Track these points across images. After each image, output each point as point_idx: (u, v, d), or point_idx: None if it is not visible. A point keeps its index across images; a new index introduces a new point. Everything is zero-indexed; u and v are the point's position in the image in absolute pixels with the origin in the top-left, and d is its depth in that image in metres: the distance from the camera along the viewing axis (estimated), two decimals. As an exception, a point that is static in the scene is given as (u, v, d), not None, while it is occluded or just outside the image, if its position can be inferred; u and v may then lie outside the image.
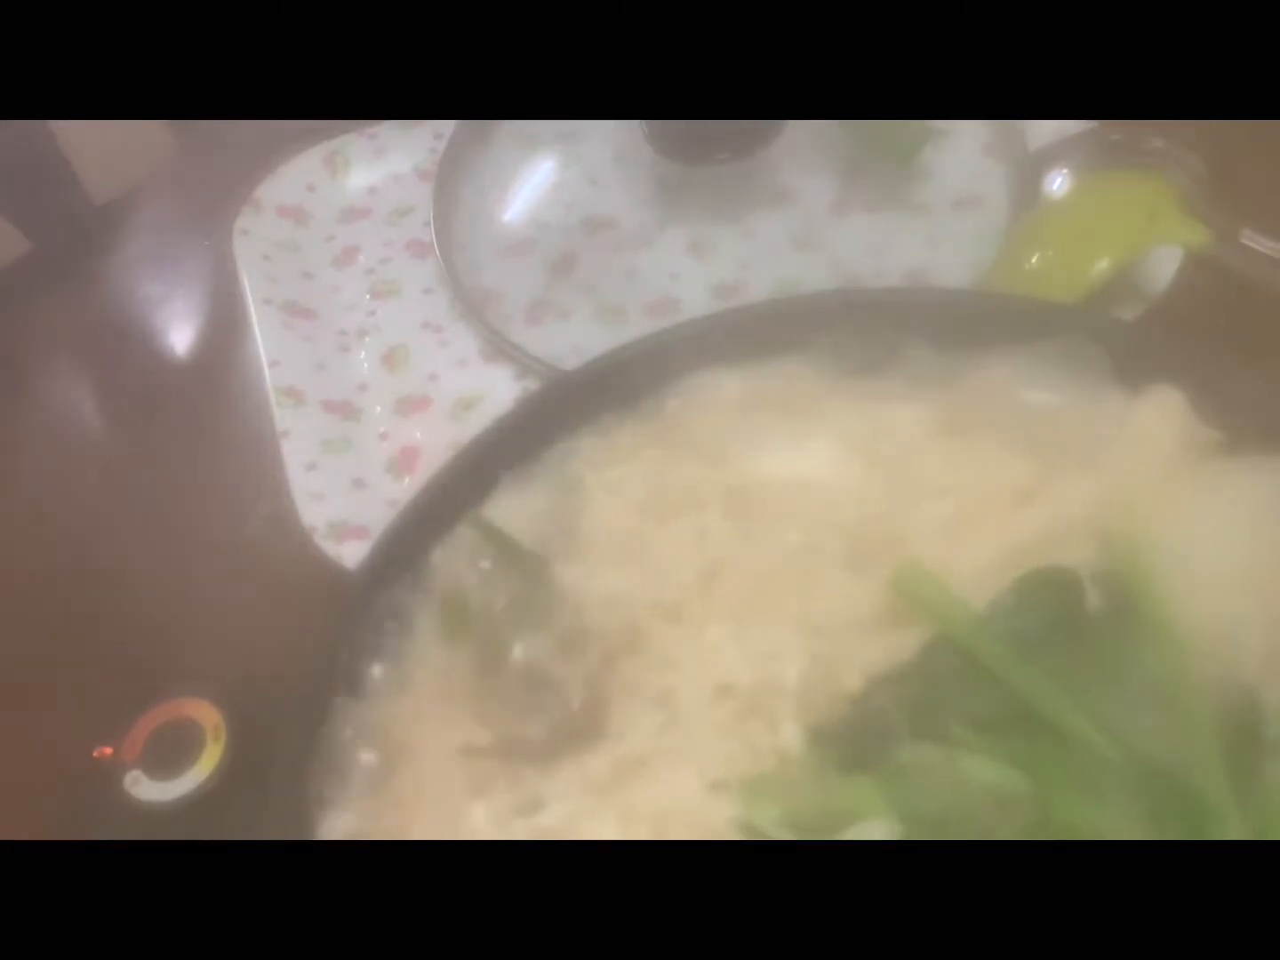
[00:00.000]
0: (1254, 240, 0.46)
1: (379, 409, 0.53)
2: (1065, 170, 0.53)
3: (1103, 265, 0.44)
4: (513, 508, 0.34)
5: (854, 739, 0.27)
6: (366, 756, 0.30)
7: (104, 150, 0.92)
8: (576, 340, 0.54)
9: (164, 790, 0.35)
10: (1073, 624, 0.28)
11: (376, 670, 0.32)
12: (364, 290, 0.58)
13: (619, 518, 0.33)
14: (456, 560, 0.33)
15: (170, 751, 0.36)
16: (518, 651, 0.31)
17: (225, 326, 0.57)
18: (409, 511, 0.34)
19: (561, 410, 0.36)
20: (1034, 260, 0.47)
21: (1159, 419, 0.31)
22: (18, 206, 0.81)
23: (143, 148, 1.04)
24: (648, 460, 0.35)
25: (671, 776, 0.27)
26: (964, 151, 0.56)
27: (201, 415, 0.55)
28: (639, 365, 0.37)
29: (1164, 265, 0.46)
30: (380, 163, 0.62)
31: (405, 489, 0.51)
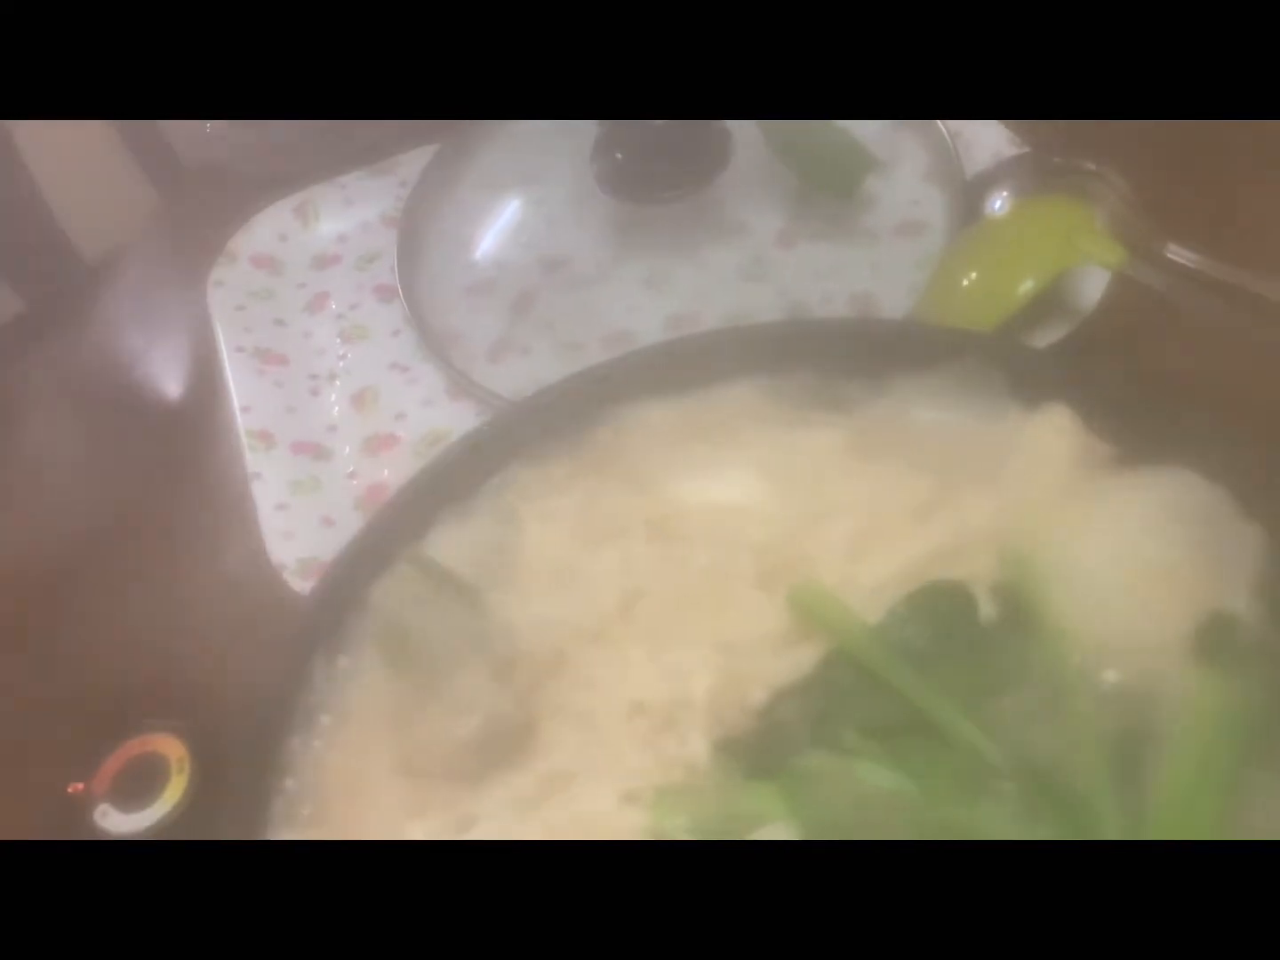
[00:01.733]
0: (1178, 254, 0.47)
1: (348, 449, 0.55)
2: (1004, 194, 0.55)
3: (1027, 285, 0.46)
4: (452, 540, 0.36)
5: (758, 749, 0.29)
6: (314, 779, 0.32)
7: (88, 208, 0.95)
8: (537, 376, 0.55)
9: (131, 822, 0.37)
10: (964, 635, 0.30)
11: (321, 702, 0.34)
12: (334, 334, 0.60)
13: (551, 547, 0.35)
14: (397, 594, 0.35)
15: (137, 784, 0.38)
16: (453, 679, 0.33)
17: (201, 374, 0.59)
18: (350, 550, 0.36)
19: (498, 444, 0.38)
20: (965, 281, 0.48)
21: (1052, 435, 0.33)
22: (12, 269, 0.83)
23: (128, 205, 1.07)
24: (579, 490, 0.36)
25: (590, 791, 0.29)
26: (905, 179, 0.57)
27: (178, 459, 0.57)
28: (572, 398, 0.39)
29: (1092, 284, 0.48)
30: (349, 211, 0.64)
31: (373, 525, 0.53)
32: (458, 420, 0.56)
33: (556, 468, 0.37)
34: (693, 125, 0.56)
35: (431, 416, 0.56)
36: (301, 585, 0.49)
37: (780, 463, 0.35)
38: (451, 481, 0.37)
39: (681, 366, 0.38)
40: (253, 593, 0.48)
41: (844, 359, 0.37)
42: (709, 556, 0.33)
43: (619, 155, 0.56)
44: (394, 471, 0.54)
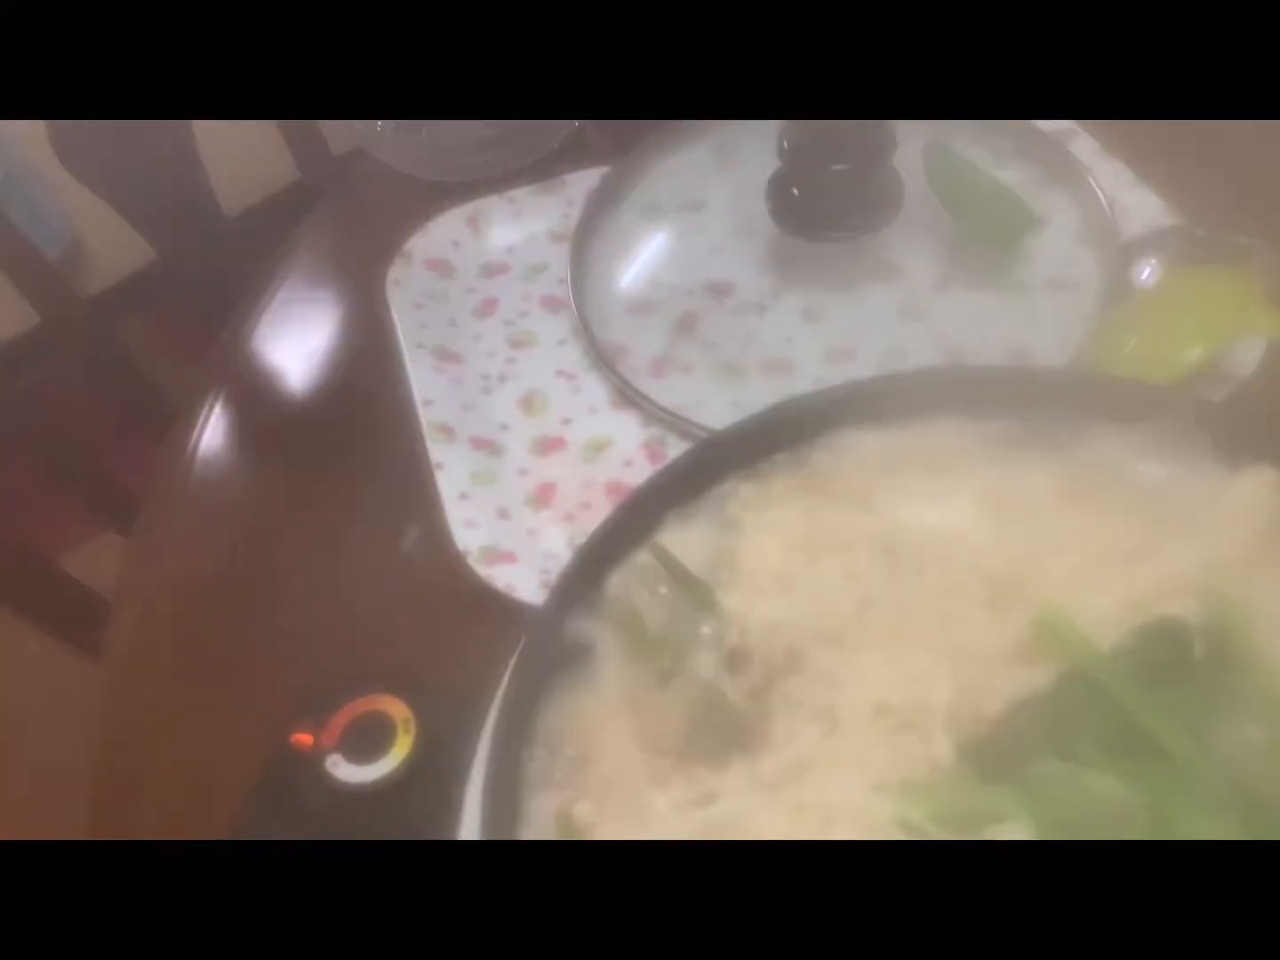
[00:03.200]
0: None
1: (518, 448, 0.59)
2: (1154, 261, 0.58)
3: (1195, 353, 0.49)
4: (678, 542, 0.39)
5: (995, 754, 0.32)
6: (562, 749, 0.35)
7: (230, 165, 0.98)
8: (697, 393, 0.59)
9: (361, 773, 0.40)
10: (1184, 668, 0.33)
11: (566, 681, 0.37)
12: (503, 339, 0.64)
13: (774, 555, 0.38)
14: (633, 585, 0.38)
15: (367, 740, 0.41)
16: (690, 667, 0.36)
17: (375, 366, 0.63)
18: (593, 541, 0.39)
19: (721, 459, 0.41)
20: (1130, 345, 0.51)
21: (1255, 493, 0.36)
22: (149, 214, 0.86)
23: (265, 165, 1.11)
24: (798, 505, 0.40)
25: (836, 778, 0.32)
26: (1059, 238, 0.61)
27: (356, 447, 0.60)
28: (789, 420, 0.42)
29: (1249, 354, 0.51)
30: (518, 224, 0.68)
31: (543, 520, 0.56)
32: (621, 429, 0.59)
33: (775, 483, 0.40)
34: (869, 172, 0.59)
35: (596, 423, 0.60)
36: (485, 571, 0.52)
37: (995, 496, 0.38)
38: (679, 488, 0.40)
39: (892, 399, 0.41)
40: (441, 577, 0.52)
41: (1046, 406, 0.40)
42: (936, 576, 0.36)
43: (795, 192, 0.60)
44: (561, 472, 0.58)
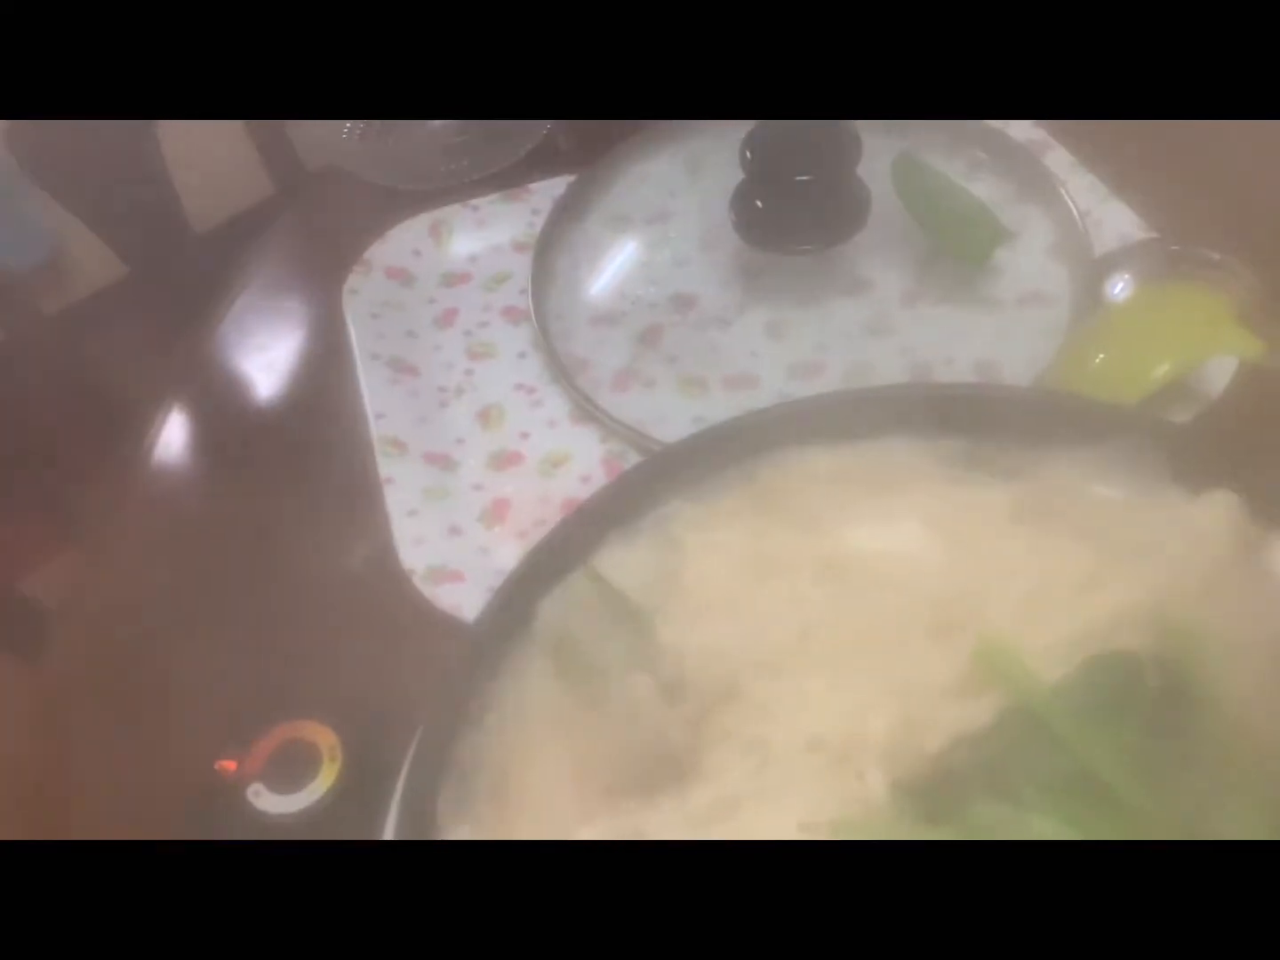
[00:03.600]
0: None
1: (474, 462, 0.57)
2: (1127, 276, 0.56)
3: (1163, 369, 0.47)
4: (617, 564, 0.38)
5: (933, 794, 0.30)
6: (485, 780, 0.34)
7: (201, 180, 0.98)
8: (660, 408, 0.58)
9: (285, 803, 0.38)
10: (1135, 702, 0.31)
11: (491, 707, 0.35)
12: (462, 351, 0.62)
13: (717, 577, 0.37)
14: (568, 609, 0.37)
15: (290, 768, 0.39)
16: (623, 696, 0.34)
17: (332, 378, 0.61)
18: (526, 561, 0.37)
19: (663, 477, 0.40)
20: (1097, 361, 0.50)
21: (1215, 518, 0.34)
22: (118, 230, 0.86)
23: (238, 180, 1.10)
24: (744, 526, 0.38)
25: (765, 815, 0.30)
26: (1031, 253, 0.59)
27: (308, 460, 0.59)
28: (734, 440, 0.40)
29: (1219, 372, 0.49)
30: (481, 233, 0.67)
31: (495, 537, 0.55)
32: (580, 444, 0.58)
33: (722, 503, 0.39)
34: (835, 183, 0.58)
35: (555, 438, 0.58)
36: (430, 590, 0.50)
37: (946, 518, 0.36)
38: (620, 508, 0.39)
39: (843, 418, 0.40)
40: (382, 596, 0.50)
41: (1003, 426, 0.39)
42: (882, 601, 0.34)
43: (759, 204, 0.59)
44: (517, 488, 0.56)
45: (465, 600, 0.50)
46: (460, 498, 0.56)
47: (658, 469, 0.40)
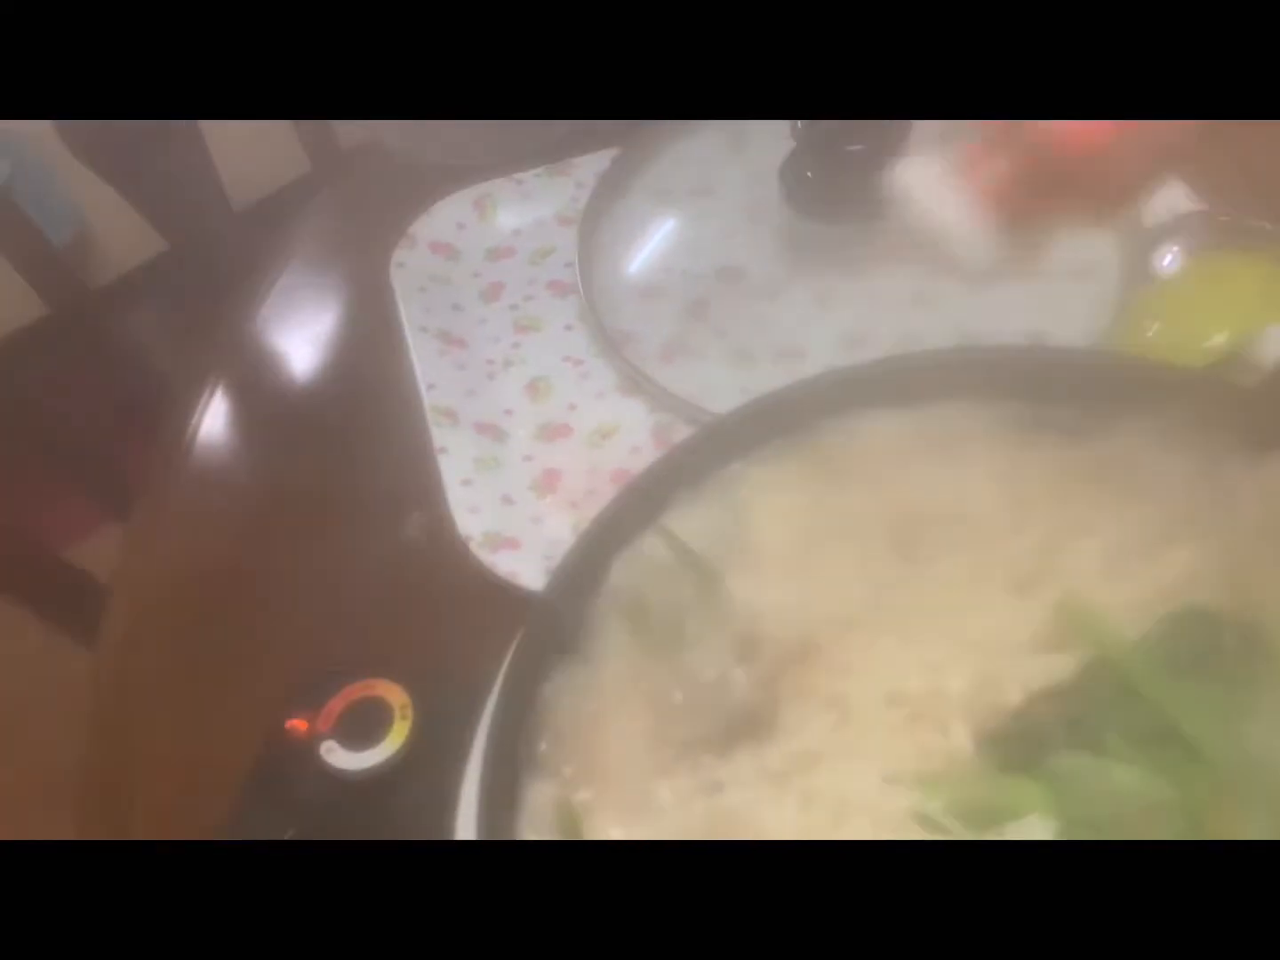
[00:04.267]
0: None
1: (523, 433, 0.58)
2: (1176, 247, 0.56)
3: (1219, 339, 0.47)
4: (685, 526, 0.38)
5: (1014, 745, 0.30)
6: (564, 739, 0.34)
7: (241, 157, 0.98)
8: (708, 379, 0.58)
9: (356, 760, 0.39)
10: (1213, 658, 0.31)
11: (568, 667, 0.36)
12: (508, 324, 0.62)
13: (785, 539, 0.37)
14: (639, 570, 0.37)
15: (363, 726, 0.40)
16: (697, 653, 0.35)
17: (378, 350, 0.62)
18: (597, 523, 0.37)
19: (729, 441, 0.40)
20: (1151, 332, 0.50)
21: (1286, 480, 0.34)
22: (159, 205, 0.86)
23: (276, 158, 1.10)
24: (809, 489, 0.38)
25: (849, 769, 0.31)
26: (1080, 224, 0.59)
27: (358, 431, 0.59)
28: (797, 404, 0.40)
29: (1275, 341, 0.49)
30: (525, 207, 0.67)
31: (547, 506, 0.55)
32: (629, 415, 0.58)
33: (785, 467, 0.39)
34: (884, 153, 0.57)
35: (602, 410, 0.58)
36: (487, 557, 0.51)
37: (1015, 479, 0.36)
38: (686, 471, 0.39)
39: (903, 382, 0.40)
40: (441, 562, 0.50)
41: (1064, 389, 0.39)
42: (955, 560, 0.34)
43: (809, 174, 0.58)
44: (566, 458, 0.57)
45: (522, 567, 0.50)
46: (511, 468, 0.56)
47: (720, 433, 0.40)
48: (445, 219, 0.66)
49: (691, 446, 0.40)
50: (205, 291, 0.87)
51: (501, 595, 0.48)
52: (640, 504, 0.39)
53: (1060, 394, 0.39)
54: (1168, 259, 0.56)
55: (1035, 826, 0.29)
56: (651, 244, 0.64)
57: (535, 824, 0.32)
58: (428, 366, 0.58)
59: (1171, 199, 0.59)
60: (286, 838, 0.38)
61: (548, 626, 0.36)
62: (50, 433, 0.89)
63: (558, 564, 0.37)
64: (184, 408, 0.63)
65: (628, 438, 0.57)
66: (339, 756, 0.39)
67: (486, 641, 0.38)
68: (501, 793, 0.32)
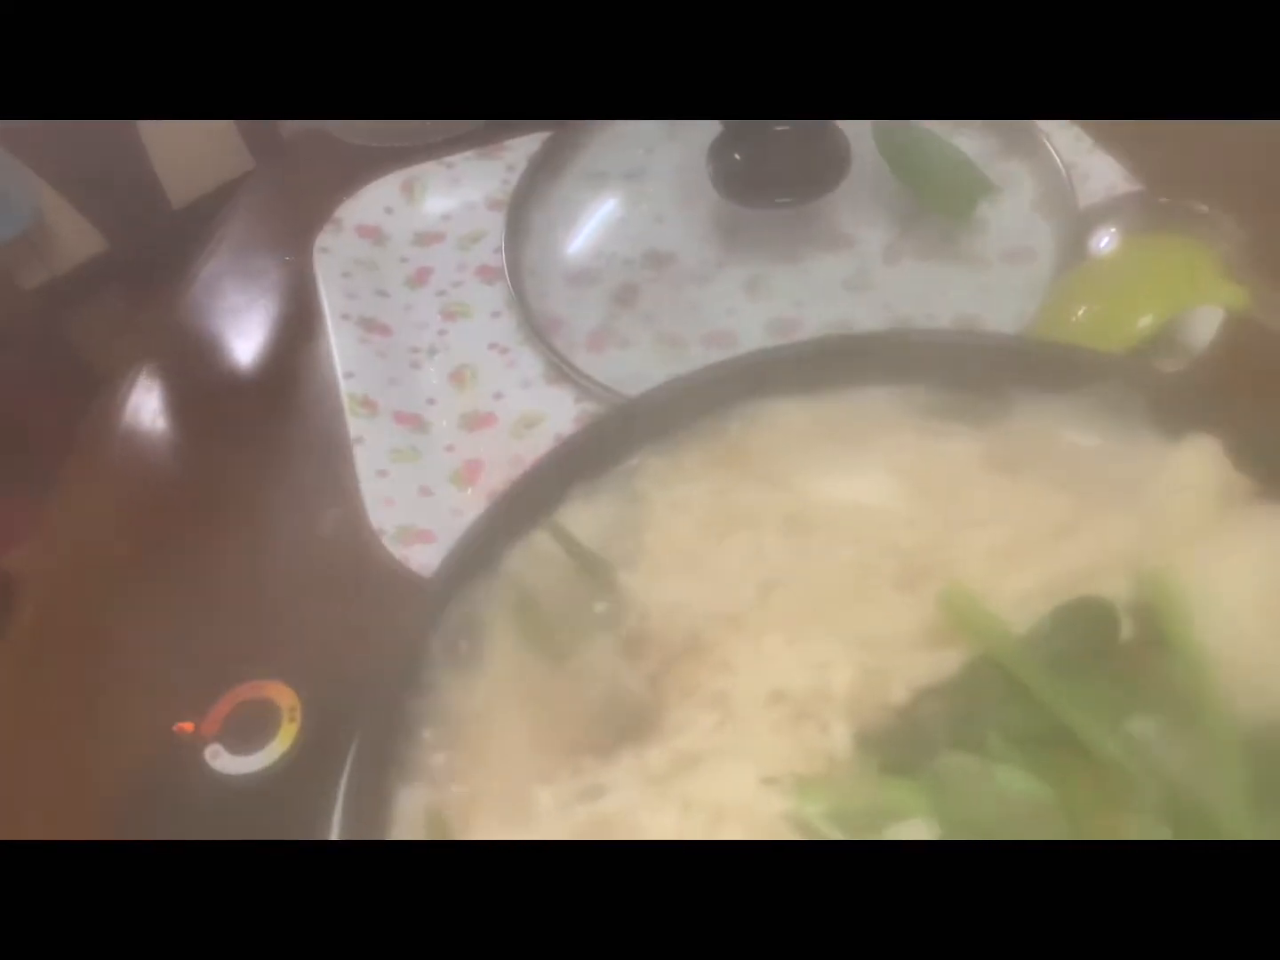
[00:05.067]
0: (1290, 297, 0.48)
1: (445, 423, 0.56)
2: (1112, 229, 0.55)
3: (1146, 321, 0.46)
4: (581, 519, 0.37)
5: (898, 746, 0.29)
6: (441, 739, 0.33)
7: (182, 155, 0.96)
8: (636, 367, 0.56)
9: (242, 764, 0.38)
10: (1107, 651, 0.30)
11: (451, 663, 0.34)
12: (435, 310, 0.61)
13: (681, 532, 0.36)
14: (529, 563, 0.36)
15: (249, 729, 0.38)
16: (584, 651, 0.34)
17: (303, 338, 0.60)
18: (487, 516, 0.36)
19: (630, 430, 0.38)
20: (1079, 314, 0.49)
21: (1197, 465, 0.33)
22: (97, 205, 0.85)
23: (219, 155, 1.09)
24: (710, 480, 0.37)
25: (727, 771, 0.29)
26: (1015, 207, 0.58)
27: (278, 421, 0.58)
28: (703, 392, 0.39)
29: (1205, 324, 0.48)
30: (455, 191, 0.65)
31: (468, 498, 0.53)
32: (554, 405, 0.56)
33: (687, 457, 0.38)
34: (813, 134, 0.56)
35: (529, 399, 0.57)
36: (400, 551, 0.49)
37: (918, 469, 0.35)
38: (584, 461, 0.38)
39: (814, 367, 0.39)
40: (352, 556, 0.49)
41: (977, 373, 0.38)
42: (848, 554, 0.33)
43: (737, 156, 0.57)
44: (490, 449, 0.55)
45: (436, 561, 0.48)
46: (432, 458, 0.54)
47: (623, 422, 0.38)
48: (373, 202, 0.64)
49: (591, 435, 0.39)
50: (144, 289, 0.85)
51: (413, 590, 0.47)
52: (535, 495, 0.37)
53: (972, 380, 0.38)
54: (1104, 241, 0.55)
55: (915, 829, 0.28)
56: (582, 228, 0.63)
57: (406, 830, 0.31)
58: (347, 354, 0.57)
59: (1109, 181, 0.58)
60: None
61: (431, 621, 0.34)
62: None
63: (445, 556, 0.36)
64: (104, 397, 0.61)
65: (553, 427, 0.55)
66: (224, 761, 0.38)
67: (391, 639, 0.36)
68: (368, 798, 0.31)
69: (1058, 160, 0.57)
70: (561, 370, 0.56)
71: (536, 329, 0.58)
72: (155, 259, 0.84)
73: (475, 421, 0.56)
